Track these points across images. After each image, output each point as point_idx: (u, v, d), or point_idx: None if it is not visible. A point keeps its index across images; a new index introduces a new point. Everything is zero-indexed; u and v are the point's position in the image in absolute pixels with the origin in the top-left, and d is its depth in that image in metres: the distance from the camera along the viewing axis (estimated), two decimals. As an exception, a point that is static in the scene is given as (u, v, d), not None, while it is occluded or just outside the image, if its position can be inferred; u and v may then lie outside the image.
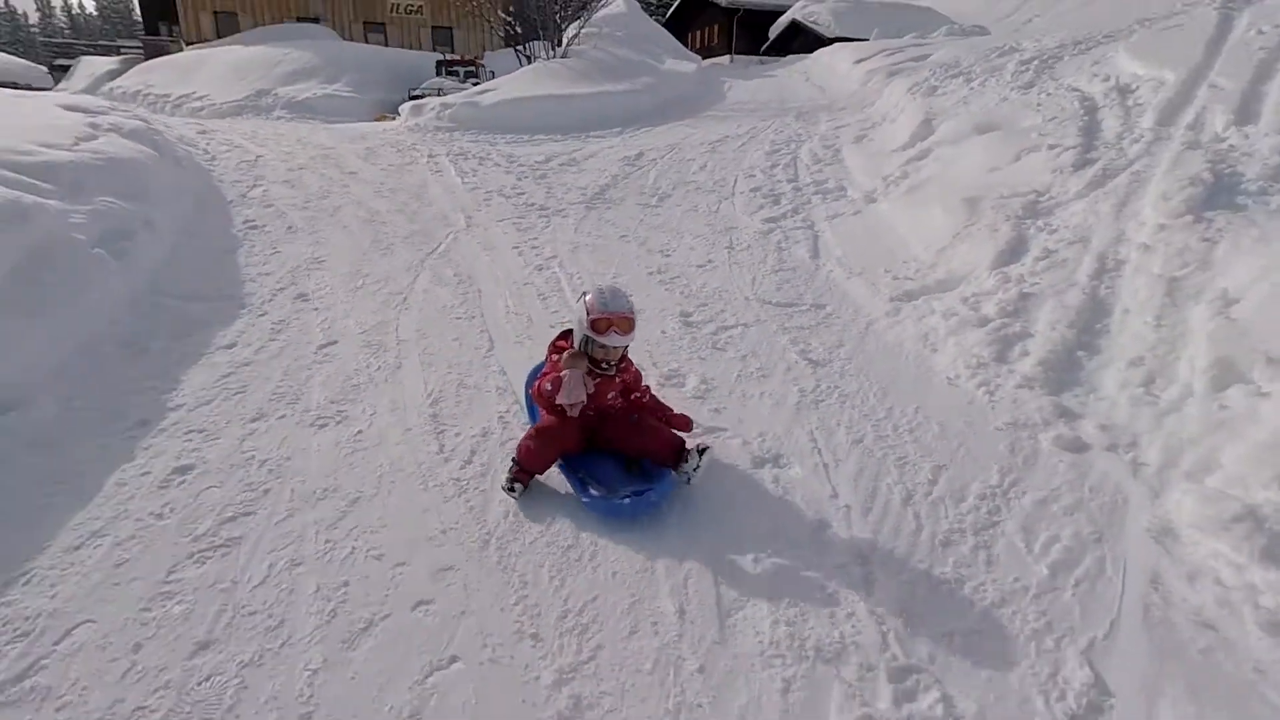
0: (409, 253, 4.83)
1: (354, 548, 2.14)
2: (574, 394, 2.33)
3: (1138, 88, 5.84)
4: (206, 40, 21.96)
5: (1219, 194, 3.69)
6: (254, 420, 2.79)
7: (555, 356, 2.50)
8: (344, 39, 21.86)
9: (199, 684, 1.70)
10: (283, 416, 2.83)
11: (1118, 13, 11.23)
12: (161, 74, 17.91)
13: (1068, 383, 2.93)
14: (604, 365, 2.44)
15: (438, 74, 17.59)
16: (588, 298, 2.39)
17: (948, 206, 4.80)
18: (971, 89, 7.78)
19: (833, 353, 3.42)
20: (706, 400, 3.00)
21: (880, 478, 2.48)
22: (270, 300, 3.99)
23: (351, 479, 2.46)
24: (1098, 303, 3.33)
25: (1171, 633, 1.88)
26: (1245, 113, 4.63)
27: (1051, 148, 5.03)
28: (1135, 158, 4.53)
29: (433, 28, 24.71)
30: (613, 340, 2.37)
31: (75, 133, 5.11)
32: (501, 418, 2.85)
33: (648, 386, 2.65)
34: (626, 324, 2.38)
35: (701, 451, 2.31)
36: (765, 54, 26.70)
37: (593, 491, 2.29)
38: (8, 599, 1.92)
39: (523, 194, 6.49)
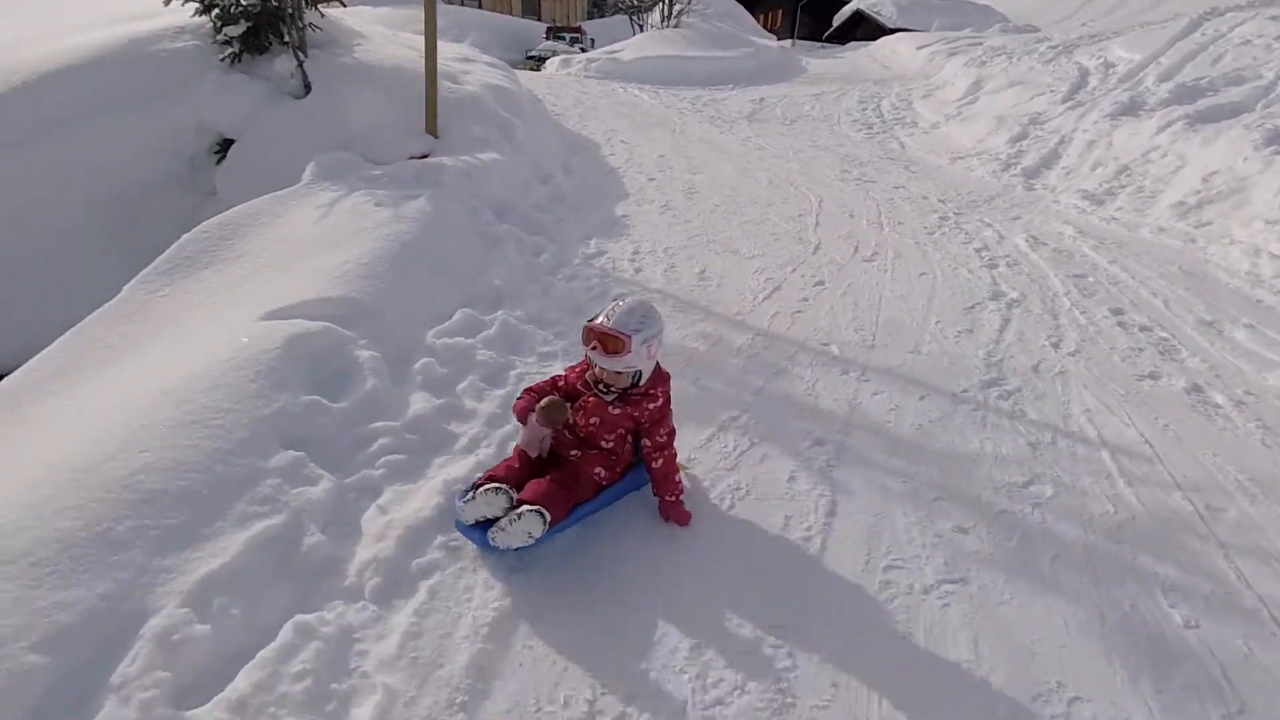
0: (663, 131, 8.70)
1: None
2: (528, 442, 2.25)
3: (1117, 64, 9.60)
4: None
5: (1129, 109, 7.45)
6: (639, 204, 6.66)
7: (564, 375, 2.42)
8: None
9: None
10: (652, 200, 6.68)
11: (1134, 15, 15.00)
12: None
13: (1034, 176, 6.74)
14: (602, 387, 2.28)
15: (547, 38, 21.61)
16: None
17: (984, 123, 8.62)
18: (1011, 63, 11.57)
19: (925, 175, 7.22)
20: (860, 182, 6.81)
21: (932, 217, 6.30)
22: (607, 142, 7.85)
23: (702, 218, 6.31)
24: (1057, 151, 7.14)
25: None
26: (1165, 75, 8.38)
27: (1052, 92, 8.83)
28: (1097, 97, 8.31)
29: (522, -1, 28.82)
30: (597, 358, 2.19)
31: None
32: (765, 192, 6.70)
33: (668, 442, 2.32)
34: (613, 344, 2.14)
35: (520, 515, 2.01)
36: (827, 40, 30.62)
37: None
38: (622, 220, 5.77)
39: (700, 112, 10.36)
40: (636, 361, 2.21)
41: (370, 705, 1.72)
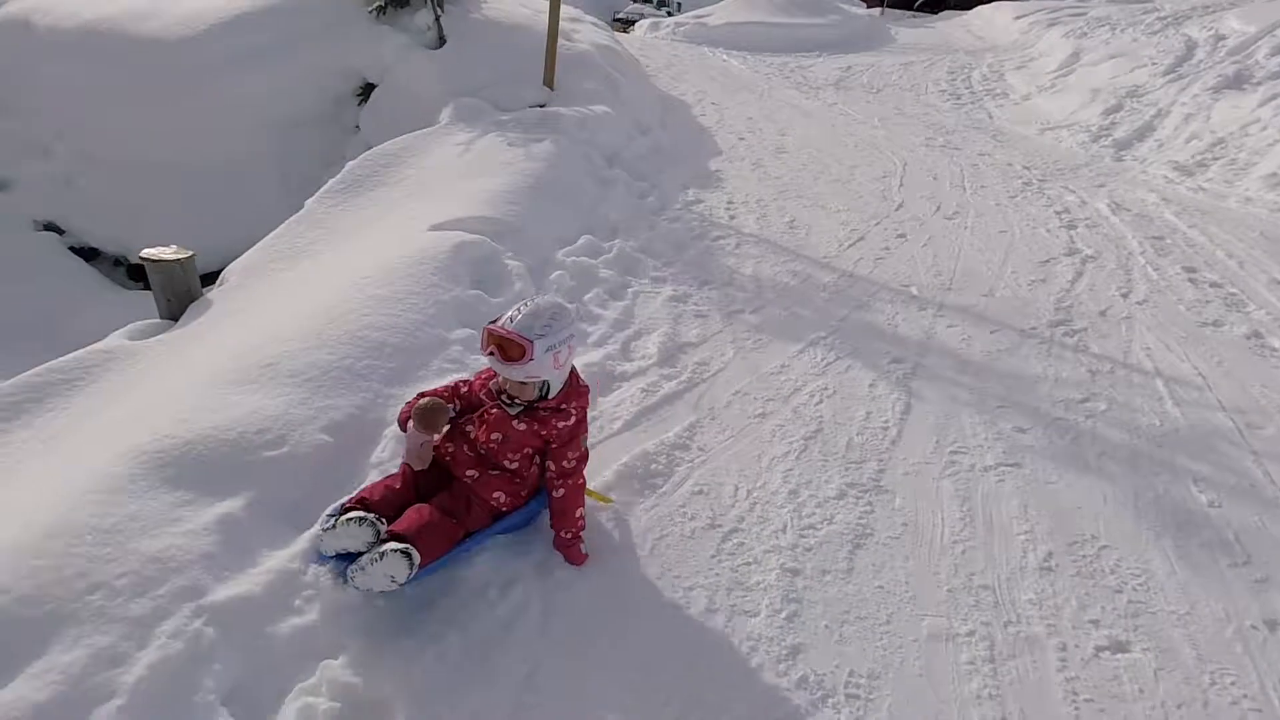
0: (750, 95, 9.04)
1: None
2: (408, 452, 2.03)
3: (1228, 36, 9.35)
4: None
5: (1234, 82, 7.39)
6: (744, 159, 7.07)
7: (462, 384, 2.19)
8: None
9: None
10: (743, 158, 7.08)
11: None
12: None
13: (1124, 148, 6.85)
14: (504, 398, 2.05)
15: (635, 1, 21.88)
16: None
17: (1078, 95, 8.62)
18: (1114, 34, 11.33)
19: (1012, 144, 7.40)
20: (945, 149, 7.04)
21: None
22: (698, 103, 8.26)
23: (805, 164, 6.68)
24: (1151, 124, 7.19)
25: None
26: (1279, 48, 8.20)
27: (1154, 64, 8.72)
28: (1202, 70, 8.21)
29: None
30: (495, 365, 1.96)
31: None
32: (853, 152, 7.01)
33: (575, 469, 2.07)
34: (513, 349, 1.90)
35: (382, 555, 1.75)
36: (918, 9, 29.72)
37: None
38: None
39: (787, 78, 10.61)
40: (540, 371, 1.96)
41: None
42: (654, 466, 2.49)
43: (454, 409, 2.10)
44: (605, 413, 2.77)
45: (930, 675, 1.83)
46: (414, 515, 1.90)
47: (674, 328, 3.47)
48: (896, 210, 5.39)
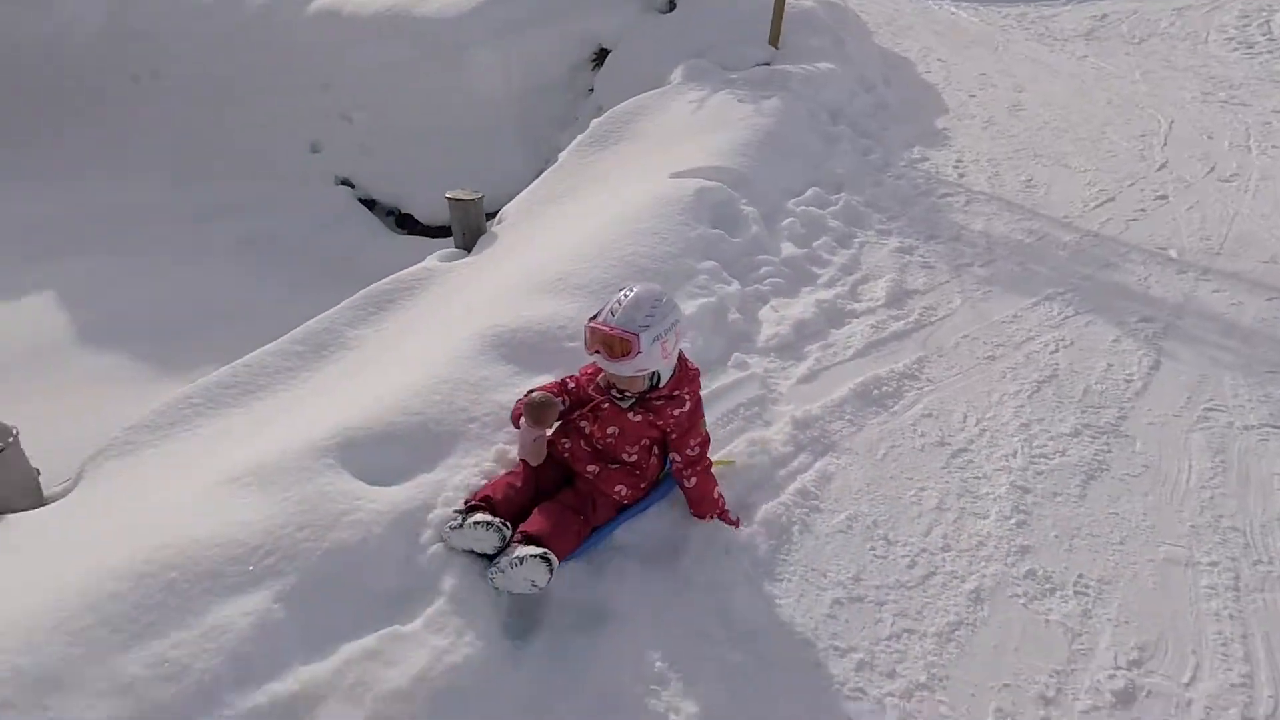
0: (983, 50, 8.55)
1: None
2: (523, 448, 2.08)
3: None
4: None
5: None
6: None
7: (569, 379, 2.20)
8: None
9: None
10: (974, 116, 6.74)
11: None
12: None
13: None
14: (616, 393, 2.06)
15: (850, -42, 21.06)
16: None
17: None
18: None
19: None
20: (1227, 105, 6.23)
21: None
22: (922, 60, 7.99)
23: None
24: None
25: None
26: None
27: None
28: None
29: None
30: (603, 363, 1.98)
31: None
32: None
33: (700, 454, 2.10)
34: (619, 346, 1.92)
35: (522, 560, 1.78)
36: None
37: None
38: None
39: (1026, 30, 9.83)
40: (649, 363, 1.95)
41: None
42: (884, 389, 2.73)
43: (563, 404, 2.11)
44: (837, 342, 3.04)
45: (1165, 590, 1.92)
46: (544, 516, 1.92)
47: (900, 276, 3.61)
48: (1157, 171, 4.97)
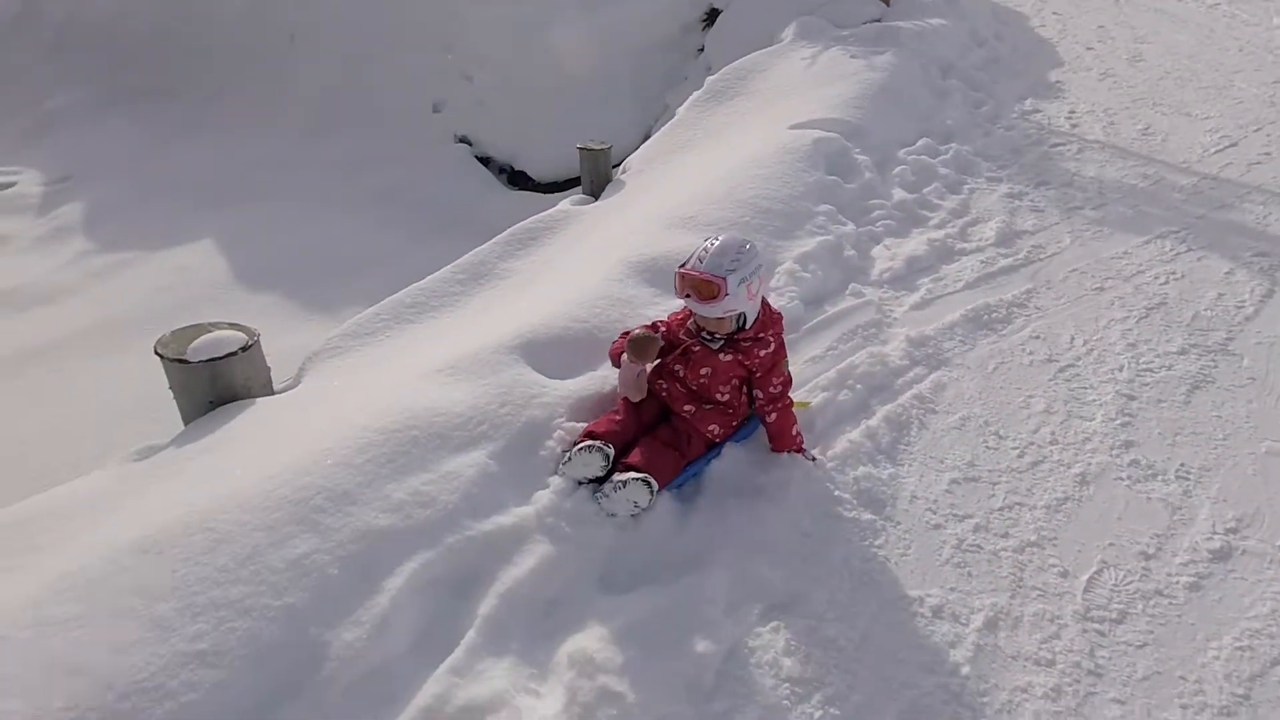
0: (1102, 2, 8.29)
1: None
2: (623, 384, 2.24)
3: None
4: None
5: None
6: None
7: (659, 323, 2.34)
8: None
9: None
10: (1090, 68, 6.60)
11: None
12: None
13: None
14: (706, 335, 2.23)
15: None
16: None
17: None
18: None
19: None
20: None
21: None
22: (1036, 14, 7.83)
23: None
24: None
25: None
26: None
27: None
28: None
29: None
30: (693, 306, 2.16)
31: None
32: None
33: (782, 393, 2.26)
34: (706, 289, 2.09)
35: (625, 483, 2.01)
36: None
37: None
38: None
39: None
40: (736, 305, 2.12)
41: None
42: (994, 315, 2.99)
43: (661, 341, 2.26)
44: (947, 275, 3.30)
45: (1265, 477, 2.15)
46: (643, 450, 2.12)
47: (1010, 218, 3.80)
48: (1288, 117, 4.86)
